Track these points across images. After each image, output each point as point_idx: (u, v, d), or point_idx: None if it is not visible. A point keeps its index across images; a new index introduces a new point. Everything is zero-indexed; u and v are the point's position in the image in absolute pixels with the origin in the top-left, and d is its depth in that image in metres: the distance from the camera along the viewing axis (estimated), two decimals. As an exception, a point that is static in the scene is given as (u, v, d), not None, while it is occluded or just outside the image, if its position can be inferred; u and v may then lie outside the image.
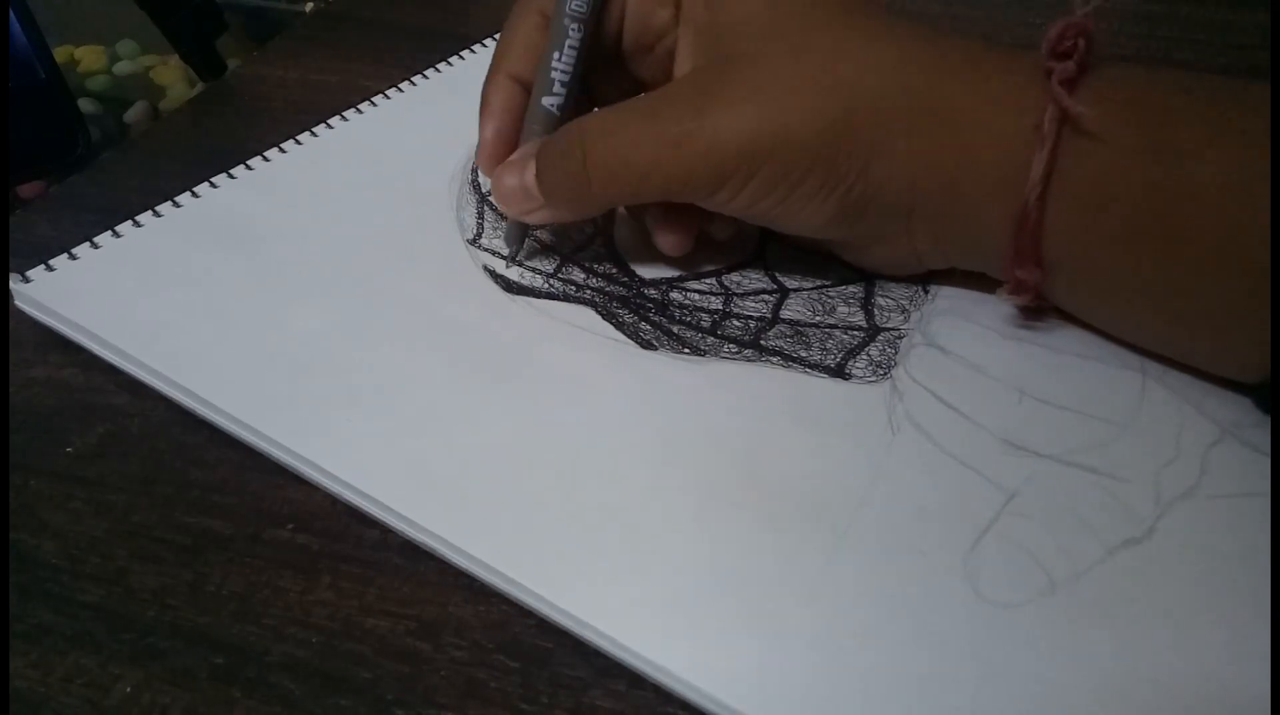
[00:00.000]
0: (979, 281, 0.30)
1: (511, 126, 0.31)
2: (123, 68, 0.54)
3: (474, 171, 0.36)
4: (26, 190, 0.44)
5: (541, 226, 0.33)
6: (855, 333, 0.29)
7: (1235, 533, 0.24)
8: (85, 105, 0.51)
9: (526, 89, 0.30)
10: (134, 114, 0.50)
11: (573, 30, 0.29)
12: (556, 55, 0.29)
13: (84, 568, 0.25)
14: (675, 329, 0.29)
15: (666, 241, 0.31)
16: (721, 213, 0.29)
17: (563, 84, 0.29)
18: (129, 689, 0.22)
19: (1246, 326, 0.25)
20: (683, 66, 0.30)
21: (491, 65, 0.31)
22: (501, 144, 0.31)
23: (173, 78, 0.52)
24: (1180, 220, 0.25)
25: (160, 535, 0.25)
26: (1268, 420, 0.26)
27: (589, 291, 0.31)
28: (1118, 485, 0.25)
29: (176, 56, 0.48)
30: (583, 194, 0.28)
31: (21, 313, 0.31)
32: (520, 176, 0.29)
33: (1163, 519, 0.24)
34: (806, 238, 0.30)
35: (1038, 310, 0.29)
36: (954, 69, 0.27)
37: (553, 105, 0.30)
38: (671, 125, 0.27)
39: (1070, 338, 0.29)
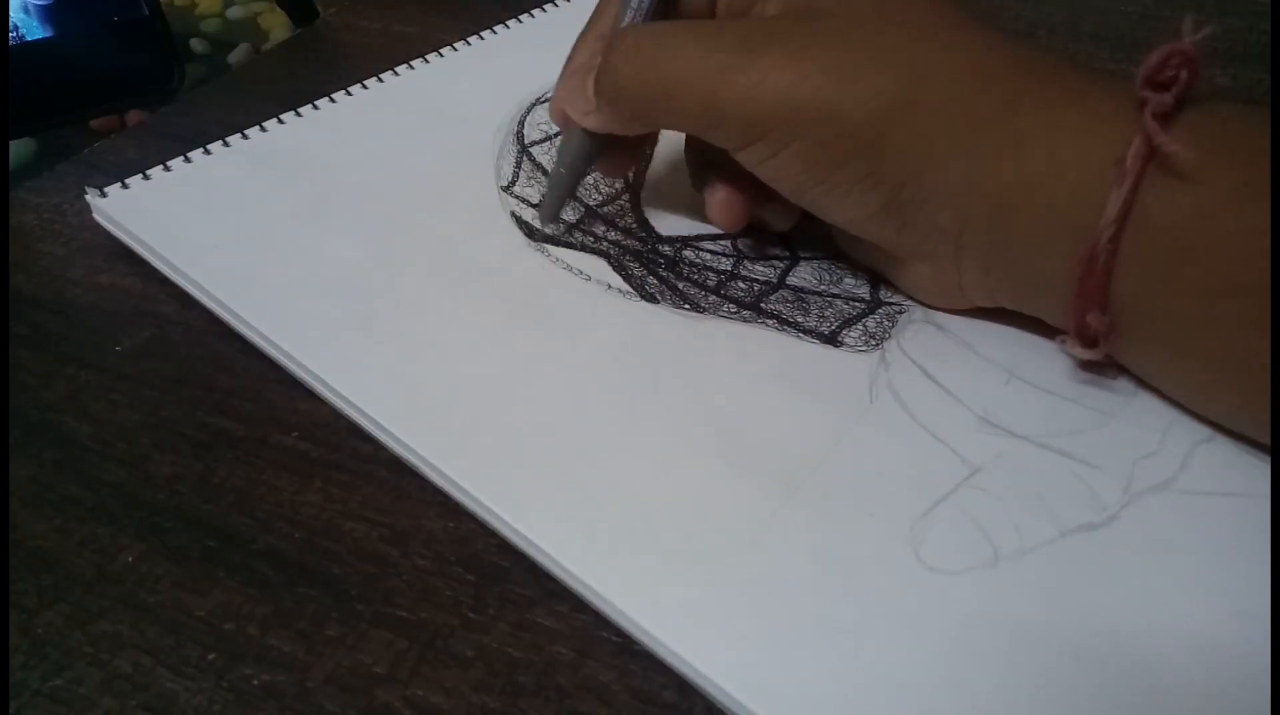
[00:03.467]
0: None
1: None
2: (235, 12, 0.58)
3: (520, 122, 0.38)
4: (132, 117, 0.47)
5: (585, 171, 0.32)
6: (857, 304, 0.29)
7: (1201, 530, 0.23)
8: (196, 45, 0.54)
9: None
10: (237, 55, 0.54)
11: None
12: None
13: (112, 451, 0.27)
14: (680, 285, 0.30)
15: (715, 205, 0.30)
16: (767, 183, 0.28)
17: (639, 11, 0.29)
18: (130, 559, 0.25)
19: None
20: None
21: (586, 25, 0.31)
22: None
23: (276, 22, 0.56)
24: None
25: (182, 430, 0.28)
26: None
27: (606, 243, 0.32)
28: (1088, 471, 0.24)
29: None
30: (621, 98, 0.28)
31: (97, 224, 0.34)
32: (585, 81, 0.29)
33: (1127, 509, 0.24)
34: (852, 246, 0.29)
35: (1098, 367, 0.27)
36: (1033, 86, 0.25)
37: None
38: (721, 52, 0.26)
39: (1075, 325, 0.28)
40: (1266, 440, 0.24)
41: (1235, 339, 0.23)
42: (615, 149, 0.31)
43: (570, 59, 0.30)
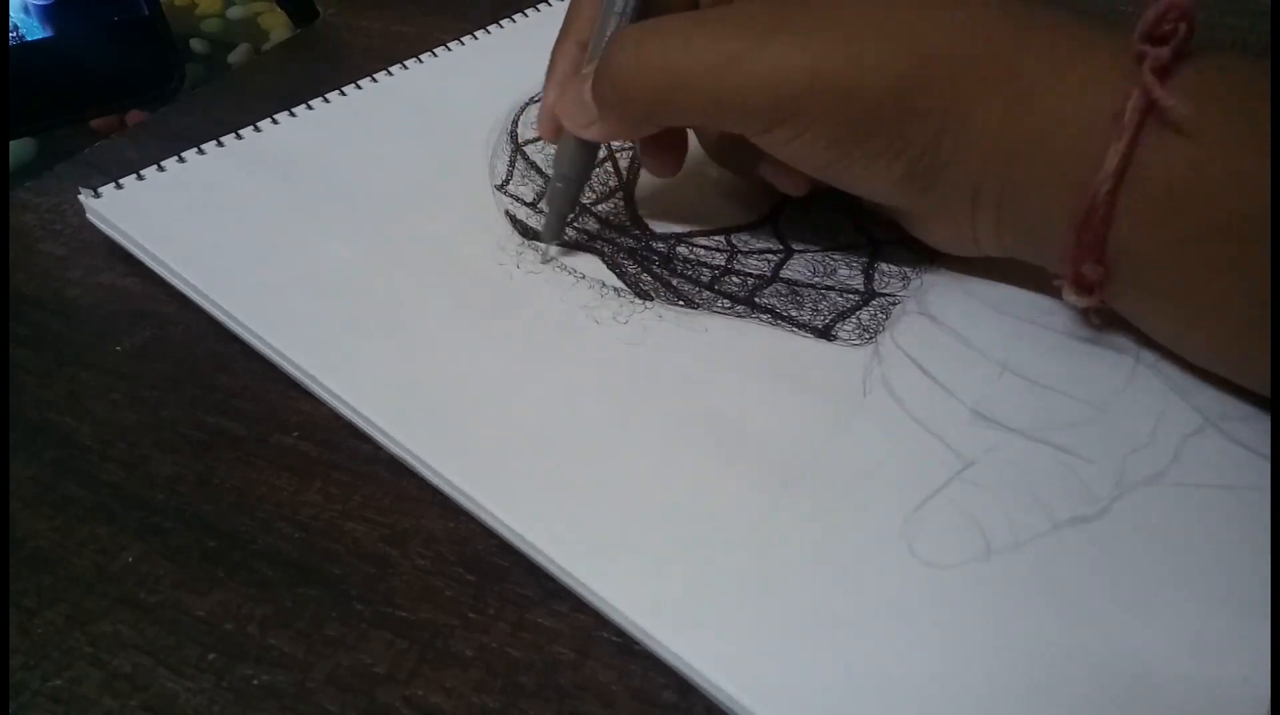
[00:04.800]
0: (991, 262, 0.30)
1: None
2: (235, 12, 0.58)
3: (514, 121, 0.38)
4: (132, 118, 0.48)
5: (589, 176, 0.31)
6: (850, 296, 0.30)
7: (1193, 522, 0.23)
8: (196, 45, 0.55)
9: None
10: (237, 55, 0.54)
11: None
12: None
13: (112, 451, 0.27)
14: (674, 282, 0.30)
15: (652, 163, 0.31)
16: (789, 163, 0.28)
17: (623, 14, 0.28)
18: (131, 559, 0.25)
19: None
20: None
21: (560, 32, 0.31)
22: None
23: (276, 22, 0.56)
24: (1263, 220, 0.22)
25: (182, 430, 0.28)
26: (1254, 413, 0.25)
27: (600, 241, 0.32)
28: (1080, 464, 0.24)
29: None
30: (629, 100, 0.27)
31: (92, 225, 0.34)
32: (580, 90, 0.28)
33: (1119, 501, 0.24)
34: (867, 200, 0.30)
35: (1096, 314, 0.28)
36: (1034, 39, 0.25)
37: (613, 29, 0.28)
38: (733, 40, 0.25)
39: (1068, 319, 0.28)
40: (1250, 385, 0.25)
41: (1222, 283, 0.24)
42: (657, 147, 0.31)
43: (551, 70, 0.30)
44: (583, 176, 0.31)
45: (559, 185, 0.31)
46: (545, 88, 0.30)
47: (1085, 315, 0.28)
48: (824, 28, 0.25)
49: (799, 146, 0.26)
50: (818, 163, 0.27)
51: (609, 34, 0.28)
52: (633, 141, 0.31)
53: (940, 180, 0.26)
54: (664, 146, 0.31)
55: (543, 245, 0.32)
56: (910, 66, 0.25)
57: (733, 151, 0.31)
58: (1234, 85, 0.23)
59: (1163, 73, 0.23)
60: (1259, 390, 0.25)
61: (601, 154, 0.36)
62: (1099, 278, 0.25)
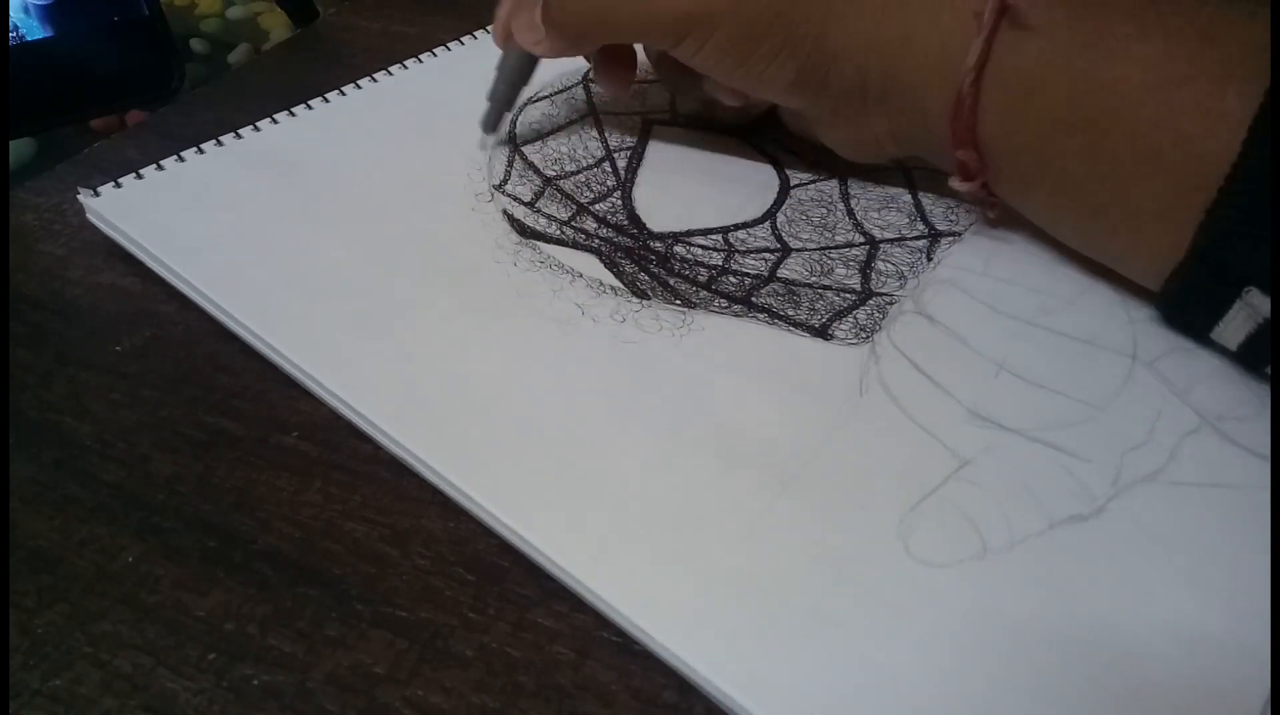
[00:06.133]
0: (984, 253, 0.30)
1: None
2: (235, 12, 0.58)
3: (512, 121, 0.38)
4: (132, 118, 0.48)
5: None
6: (847, 295, 0.30)
7: (1190, 521, 0.23)
8: (196, 45, 0.55)
9: None
10: (237, 55, 0.54)
11: None
12: None
13: (112, 451, 0.28)
14: (671, 281, 0.30)
15: (603, 83, 0.35)
16: (702, 72, 0.31)
17: None
18: (130, 559, 0.25)
19: (1157, 228, 0.26)
20: None
21: None
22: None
23: (276, 22, 0.56)
24: (1101, 113, 0.26)
25: (182, 430, 0.28)
26: (1252, 413, 0.25)
27: (597, 240, 0.32)
28: (1077, 464, 0.25)
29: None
30: (571, 23, 0.31)
31: (92, 225, 0.34)
32: (533, 13, 0.32)
33: (1115, 500, 0.24)
34: (789, 120, 0.33)
35: (991, 208, 0.31)
36: None
37: None
38: None
39: (1065, 320, 0.28)
40: (1124, 272, 0.28)
41: (1079, 171, 0.27)
42: (606, 62, 0.35)
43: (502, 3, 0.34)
44: (524, 79, 0.35)
45: (502, 87, 0.35)
46: (499, 4, 0.34)
47: (981, 210, 0.32)
48: None
49: (705, 54, 0.30)
50: (724, 69, 0.30)
51: None
52: (586, 59, 0.36)
53: (831, 78, 0.30)
54: (613, 60, 0.35)
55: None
56: None
57: (674, 72, 0.34)
58: None
59: None
60: (1136, 278, 0.28)
61: (600, 154, 0.36)
62: (976, 164, 0.29)
